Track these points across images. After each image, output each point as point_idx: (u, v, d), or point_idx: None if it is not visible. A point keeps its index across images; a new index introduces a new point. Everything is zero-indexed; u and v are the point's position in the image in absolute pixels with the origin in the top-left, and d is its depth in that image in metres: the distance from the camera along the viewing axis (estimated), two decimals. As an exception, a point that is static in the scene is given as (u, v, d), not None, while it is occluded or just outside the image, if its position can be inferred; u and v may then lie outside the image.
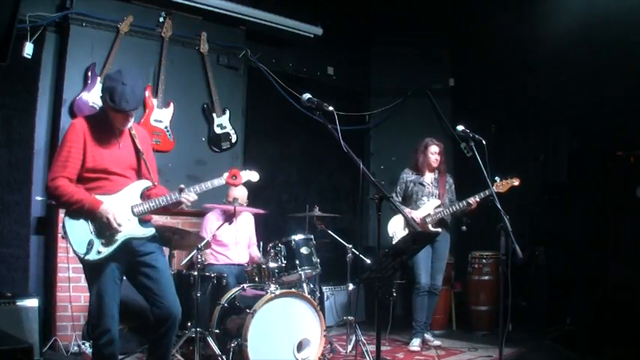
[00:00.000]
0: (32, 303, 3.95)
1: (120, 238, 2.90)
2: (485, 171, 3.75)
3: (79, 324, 4.49)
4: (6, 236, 4.39)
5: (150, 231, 3.01)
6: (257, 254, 4.80)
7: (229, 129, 5.51)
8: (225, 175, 3.21)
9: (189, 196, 3.03)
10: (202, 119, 5.43)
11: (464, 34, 6.72)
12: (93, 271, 2.90)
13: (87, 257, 2.82)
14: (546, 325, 5.49)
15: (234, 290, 4.08)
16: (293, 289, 4.00)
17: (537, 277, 5.64)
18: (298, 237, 4.29)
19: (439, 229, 4.78)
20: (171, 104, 5.13)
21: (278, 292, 3.85)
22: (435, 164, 4.90)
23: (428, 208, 4.81)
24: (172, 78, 5.16)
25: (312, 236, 4.41)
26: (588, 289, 5.64)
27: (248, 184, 4.91)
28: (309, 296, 4.05)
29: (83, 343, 4.34)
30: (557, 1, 5.69)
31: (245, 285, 4.13)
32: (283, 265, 4.18)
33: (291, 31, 5.96)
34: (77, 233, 2.85)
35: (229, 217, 4.40)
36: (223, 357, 3.76)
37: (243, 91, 5.86)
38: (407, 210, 4.81)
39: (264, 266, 4.19)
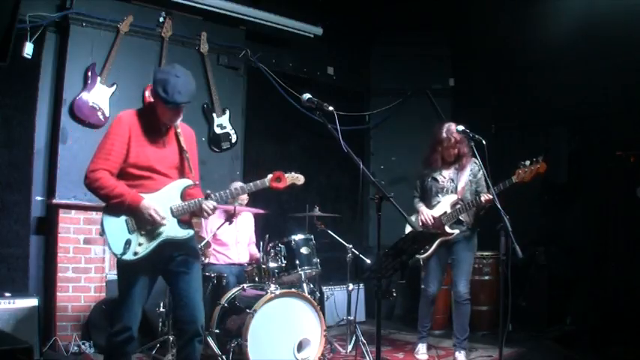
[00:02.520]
0: (32, 303, 3.95)
1: (158, 239, 2.84)
2: (486, 171, 3.75)
3: (79, 324, 4.50)
4: (6, 236, 4.39)
5: (189, 232, 2.94)
6: (256, 252, 4.80)
7: (229, 129, 5.51)
8: (269, 177, 3.12)
9: (209, 204, 2.91)
10: (202, 119, 5.43)
11: (464, 34, 6.72)
12: (126, 269, 2.85)
13: (124, 257, 2.77)
14: (546, 325, 5.50)
15: (234, 290, 4.08)
16: (293, 289, 4.00)
17: (537, 277, 5.64)
18: (298, 237, 4.29)
19: (456, 231, 4.28)
20: (171, 104, 5.12)
21: (278, 292, 3.85)
22: (450, 159, 4.33)
23: (444, 205, 4.32)
24: (172, 78, 5.16)
25: (312, 236, 4.41)
26: (588, 289, 5.65)
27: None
28: (309, 296, 4.04)
29: (83, 343, 4.35)
30: (557, 1, 5.70)
31: (245, 285, 4.13)
32: (283, 265, 4.18)
33: (291, 31, 5.97)
34: (115, 232, 2.79)
35: (230, 216, 4.40)
36: (223, 357, 3.77)
37: (243, 91, 5.87)
38: (423, 208, 4.41)
39: (264, 266, 4.19)
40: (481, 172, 4.25)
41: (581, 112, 5.71)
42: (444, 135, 4.27)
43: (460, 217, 4.28)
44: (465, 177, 4.31)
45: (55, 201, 4.56)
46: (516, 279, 3.76)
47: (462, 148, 4.28)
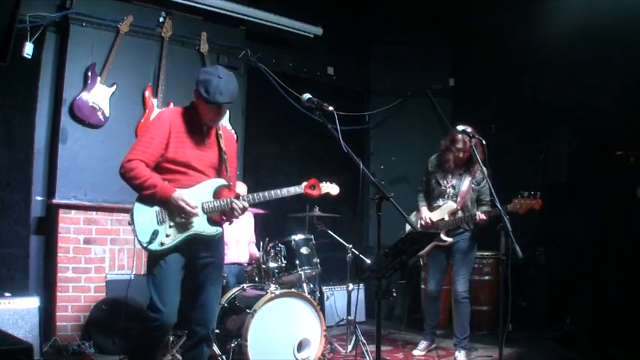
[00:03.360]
0: (32, 303, 3.94)
1: (186, 232, 2.86)
2: (486, 171, 3.76)
3: (79, 324, 4.50)
4: (6, 236, 4.40)
5: (217, 230, 2.96)
6: (256, 251, 4.80)
7: (229, 129, 5.50)
8: (304, 184, 3.15)
9: (239, 203, 2.93)
10: (202, 119, 5.43)
11: (464, 34, 6.72)
12: (157, 259, 2.85)
13: (149, 247, 2.80)
14: (546, 325, 5.50)
15: (234, 290, 4.08)
16: (293, 289, 4.00)
17: (537, 277, 5.64)
18: (298, 237, 4.29)
19: (450, 239, 4.36)
20: (172, 104, 5.12)
21: (278, 292, 3.85)
22: (459, 162, 4.36)
23: (443, 211, 4.40)
24: (172, 78, 5.16)
25: (312, 236, 4.41)
26: (588, 289, 5.64)
27: (249, 183, 4.94)
28: (309, 296, 4.04)
29: (83, 343, 4.34)
30: (557, 1, 5.70)
31: (245, 285, 4.13)
32: (283, 265, 4.18)
33: (291, 31, 5.97)
34: (143, 221, 2.82)
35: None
36: (223, 357, 3.76)
37: (243, 91, 5.86)
38: (424, 209, 4.49)
39: (264, 266, 4.19)
40: (485, 181, 4.26)
41: (581, 112, 5.71)
42: (459, 136, 4.22)
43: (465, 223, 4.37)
44: (468, 186, 4.37)
45: (55, 201, 4.56)
46: (516, 279, 3.77)
47: (469, 154, 4.22)
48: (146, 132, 2.90)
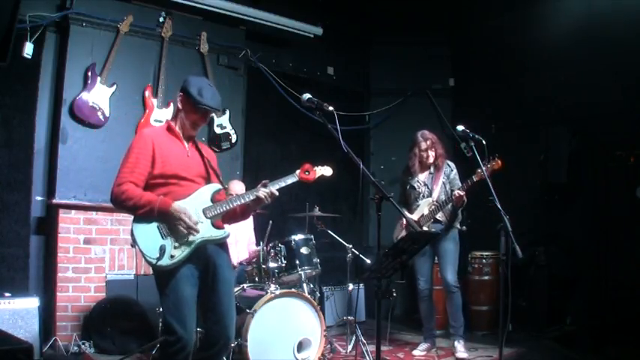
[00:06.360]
0: (32, 303, 3.95)
1: (195, 241, 2.78)
2: (486, 171, 3.76)
3: (79, 324, 4.50)
4: (6, 236, 4.39)
5: (224, 232, 2.91)
6: (255, 248, 4.79)
7: (229, 129, 5.51)
8: (298, 171, 3.13)
9: (267, 190, 2.91)
10: (202, 119, 5.43)
11: (464, 34, 6.72)
12: (167, 277, 2.74)
13: (159, 263, 2.67)
14: (546, 325, 5.50)
15: (234, 290, 4.08)
16: (293, 289, 4.00)
17: (537, 277, 5.64)
18: (298, 237, 4.30)
19: (433, 230, 4.51)
20: (172, 104, 5.12)
21: (278, 292, 3.86)
22: (429, 161, 4.63)
23: (421, 209, 4.61)
24: (172, 78, 5.15)
25: (312, 236, 4.41)
26: (588, 289, 5.65)
27: (249, 183, 4.93)
28: (309, 296, 4.04)
29: (83, 343, 4.35)
30: (557, 1, 5.70)
31: (245, 285, 4.13)
32: (283, 265, 4.18)
33: (291, 31, 5.97)
34: (147, 239, 2.72)
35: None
36: (223, 357, 3.76)
37: (243, 91, 5.87)
38: (405, 212, 4.56)
39: (264, 266, 4.19)
40: (454, 172, 4.65)
41: (581, 112, 5.71)
42: (420, 138, 4.65)
43: (437, 217, 4.55)
44: (439, 181, 4.61)
45: (55, 201, 4.56)
46: (516, 279, 3.76)
47: (437, 149, 4.64)
48: (130, 154, 2.82)
